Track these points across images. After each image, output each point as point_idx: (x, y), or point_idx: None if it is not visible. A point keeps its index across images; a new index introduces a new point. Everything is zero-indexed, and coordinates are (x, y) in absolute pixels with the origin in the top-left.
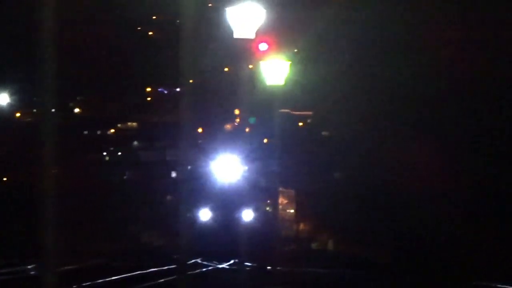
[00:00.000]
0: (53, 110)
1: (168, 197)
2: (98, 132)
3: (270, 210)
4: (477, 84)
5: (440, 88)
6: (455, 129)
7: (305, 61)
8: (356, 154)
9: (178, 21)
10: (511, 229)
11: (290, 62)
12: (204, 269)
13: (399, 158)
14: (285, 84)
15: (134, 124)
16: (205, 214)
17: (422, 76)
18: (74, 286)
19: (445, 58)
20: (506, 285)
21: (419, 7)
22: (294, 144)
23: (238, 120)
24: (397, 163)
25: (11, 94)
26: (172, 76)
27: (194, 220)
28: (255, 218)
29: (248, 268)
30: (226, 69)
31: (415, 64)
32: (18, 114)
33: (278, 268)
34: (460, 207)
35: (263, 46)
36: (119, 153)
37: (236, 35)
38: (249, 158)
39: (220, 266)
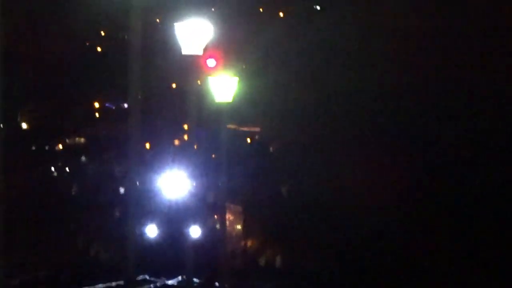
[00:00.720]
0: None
1: (116, 212)
2: (46, 147)
3: (217, 226)
4: (424, 96)
5: (384, 101)
6: (399, 144)
7: (253, 76)
8: (302, 168)
9: (126, 36)
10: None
11: (237, 78)
12: (152, 285)
13: (344, 171)
14: (233, 99)
15: (82, 139)
16: (152, 230)
17: (366, 89)
18: None
19: (389, 70)
20: None
21: (363, 19)
22: (242, 159)
23: (186, 135)
24: (342, 177)
25: None
26: (120, 91)
27: (141, 236)
28: (202, 234)
29: (195, 285)
30: (173, 85)
31: (359, 78)
32: None
33: (226, 284)
34: (406, 222)
35: (211, 62)
36: (67, 168)
37: (184, 51)
38: (197, 173)
39: (169, 282)
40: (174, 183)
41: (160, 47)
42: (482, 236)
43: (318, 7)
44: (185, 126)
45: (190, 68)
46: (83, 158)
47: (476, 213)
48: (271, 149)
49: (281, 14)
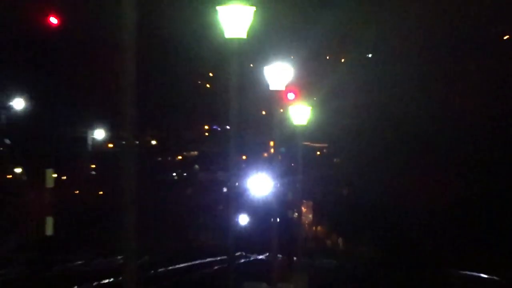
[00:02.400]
0: (136, 142)
1: (221, 207)
2: (169, 158)
3: (295, 216)
4: (471, 119)
5: (434, 123)
6: (446, 158)
7: (322, 105)
8: (359, 175)
9: (228, 77)
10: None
11: (311, 107)
12: (247, 259)
13: (392, 180)
14: (307, 123)
15: (195, 152)
16: (244, 219)
17: (416, 111)
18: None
19: (439, 96)
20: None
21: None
22: (313, 168)
23: (272, 150)
24: (390, 183)
25: (106, 130)
26: (225, 117)
27: (240, 224)
28: (284, 222)
29: (279, 259)
30: (263, 112)
31: (409, 102)
32: (111, 145)
33: (302, 259)
34: (444, 219)
35: (291, 96)
36: (184, 174)
37: (271, 87)
38: (280, 177)
39: (259, 257)
40: (262, 185)
41: (253, 84)
42: None
43: (370, 55)
44: (271, 143)
45: (275, 100)
46: (196, 167)
47: None
48: (335, 160)
49: (342, 60)
